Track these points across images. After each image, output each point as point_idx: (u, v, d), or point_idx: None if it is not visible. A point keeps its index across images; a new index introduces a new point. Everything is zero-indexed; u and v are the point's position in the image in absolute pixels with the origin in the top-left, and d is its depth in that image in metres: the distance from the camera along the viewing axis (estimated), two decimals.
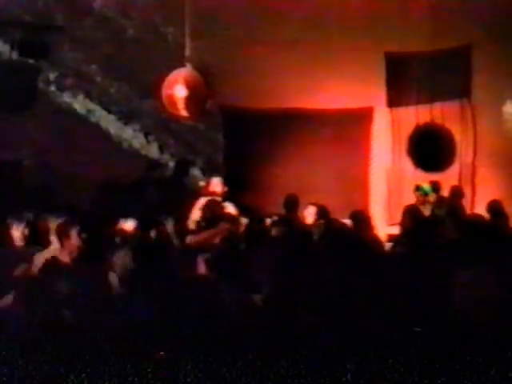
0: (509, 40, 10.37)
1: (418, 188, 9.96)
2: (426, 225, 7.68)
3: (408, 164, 10.87)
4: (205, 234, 7.70)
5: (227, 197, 9.20)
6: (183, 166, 11.01)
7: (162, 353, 4.52)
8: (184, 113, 9.95)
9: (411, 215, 7.93)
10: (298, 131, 10.81)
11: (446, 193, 10.17)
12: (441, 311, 5.31)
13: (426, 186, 9.92)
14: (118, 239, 6.89)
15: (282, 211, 9.20)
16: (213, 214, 8.07)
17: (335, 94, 10.68)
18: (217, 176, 9.61)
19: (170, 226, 7.36)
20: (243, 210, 8.83)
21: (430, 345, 4.83)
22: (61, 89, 10.92)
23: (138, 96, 10.96)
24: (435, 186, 10.00)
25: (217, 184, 9.36)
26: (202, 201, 8.98)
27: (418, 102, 10.84)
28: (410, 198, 10.06)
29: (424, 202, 9.75)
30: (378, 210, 10.53)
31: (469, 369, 4.65)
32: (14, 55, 10.45)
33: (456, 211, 9.27)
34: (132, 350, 4.53)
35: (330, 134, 10.85)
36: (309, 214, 8.65)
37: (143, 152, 11.09)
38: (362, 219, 8.07)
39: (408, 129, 10.92)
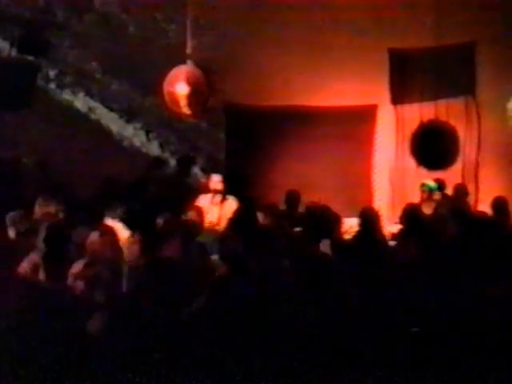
0: None
1: (423, 185, 9.92)
2: (424, 225, 7.62)
3: (411, 161, 10.82)
4: None
5: (230, 192, 9.23)
6: (185, 164, 10.99)
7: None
8: (185, 110, 9.89)
9: (409, 216, 7.85)
10: (302, 129, 10.78)
11: (449, 191, 10.12)
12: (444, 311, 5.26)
13: (432, 183, 9.90)
14: None
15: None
16: None
17: (339, 91, 10.63)
18: (217, 173, 9.57)
19: None
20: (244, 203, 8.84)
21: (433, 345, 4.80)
22: (61, 86, 10.92)
23: (139, 93, 10.96)
24: (440, 185, 9.97)
25: (216, 181, 9.33)
26: (202, 198, 8.97)
27: (422, 100, 10.77)
28: (414, 196, 10.02)
29: (429, 199, 9.72)
30: (381, 207, 10.45)
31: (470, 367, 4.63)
32: (14, 52, 10.46)
33: (460, 209, 9.19)
34: None
35: (334, 131, 10.80)
36: None
37: (144, 150, 11.08)
38: (371, 218, 7.93)
39: (412, 126, 10.87)
